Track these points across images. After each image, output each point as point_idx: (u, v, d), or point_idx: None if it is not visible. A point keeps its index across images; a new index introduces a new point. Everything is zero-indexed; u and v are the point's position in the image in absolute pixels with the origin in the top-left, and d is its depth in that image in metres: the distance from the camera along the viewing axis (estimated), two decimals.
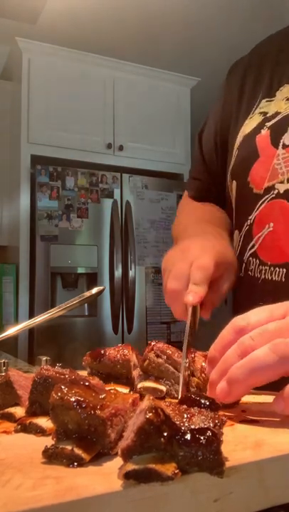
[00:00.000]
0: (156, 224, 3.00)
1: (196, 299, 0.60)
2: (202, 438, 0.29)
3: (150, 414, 0.29)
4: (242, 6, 2.73)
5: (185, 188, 1.00)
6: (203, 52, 3.24)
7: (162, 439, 0.29)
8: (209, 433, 0.30)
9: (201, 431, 0.30)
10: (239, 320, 0.47)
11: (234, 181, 0.79)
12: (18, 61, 2.92)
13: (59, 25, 2.89)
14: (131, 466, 0.29)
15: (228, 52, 3.17)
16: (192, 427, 0.31)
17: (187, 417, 0.32)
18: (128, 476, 0.28)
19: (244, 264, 0.76)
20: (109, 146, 3.03)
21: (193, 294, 0.61)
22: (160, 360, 0.48)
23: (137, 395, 0.39)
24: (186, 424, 0.31)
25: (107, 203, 2.88)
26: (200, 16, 2.85)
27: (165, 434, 0.29)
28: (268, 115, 0.75)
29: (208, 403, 0.37)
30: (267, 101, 0.77)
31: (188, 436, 0.29)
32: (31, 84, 2.88)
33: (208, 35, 3.05)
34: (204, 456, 0.29)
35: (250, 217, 0.74)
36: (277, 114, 0.74)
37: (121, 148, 3.06)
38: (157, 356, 0.48)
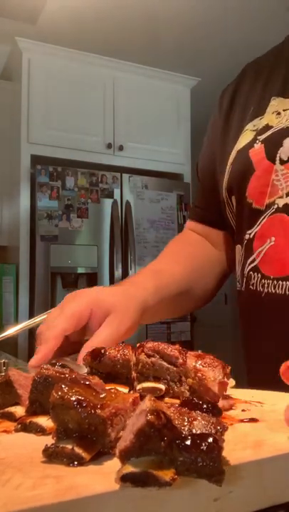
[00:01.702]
0: (156, 224, 3.00)
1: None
2: (203, 444, 0.29)
3: (151, 416, 0.29)
4: (245, 7, 2.74)
5: (189, 217, 0.98)
6: (204, 53, 3.24)
7: (162, 442, 0.28)
8: (211, 439, 0.29)
9: (203, 437, 0.29)
10: None
11: (233, 196, 0.79)
12: (18, 61, 2.93)
13: (59, 25, 2.89)
14: (129, 469, 0.28)
15: (228, 52, 3.18)
16: (193, 431, 0.30)
17: (188, 420, 0.31)
18: (125, 479, 0.28)
19: (244, 279, 0.75)
20: (109, 146, 3.03)
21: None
22: (153, 359, 0.47)
23: (137, 395, 0.39)
24: (187, 429, 0.30)
25: (107, 203, 2.88)
26: (201, 18, 2.85)
27: (165, 438, 0.29)
28: (258, 129, 0.76)
29: (210, 407, 0.36)
30: (260, 119, 0.77)
31: (188, 442, 0.29)
32: (31, 84, 2.88)
33: (208, 36, 3.05)
34: (204, 462, 0.28)
35: (249, 232, 0.74)
36: (268, 127, 0.74)
37: (121, 148, 3.06)
38: (149, 356, 0.48)
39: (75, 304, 0.60)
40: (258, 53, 0.91)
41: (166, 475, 0.28)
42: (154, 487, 0.28)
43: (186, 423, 0.31)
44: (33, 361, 0.56)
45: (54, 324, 0.58)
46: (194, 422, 0.31)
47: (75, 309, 0.60)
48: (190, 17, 2.86)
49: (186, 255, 0.87)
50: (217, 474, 0.28)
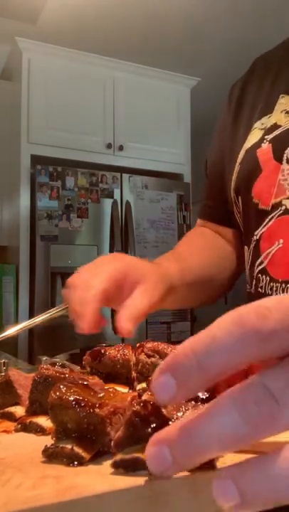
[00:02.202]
0: (156, 224, 3.00)
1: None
2: None
3: (138, 406, 0.30)
4: (246, 8, 2.74)
5: (198, 215, 0.96)
6: (204, 53, 3.24)
7: (150, 429, 0.30)
8: None
9: None
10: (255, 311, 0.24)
11: (240, 197, 0.78)
12: (18, 61, 2.93)
13: (59, 25, 2.89)
14: (120, 456, 0.30)
15: (228, 52, 3.18)
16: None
17: (183, 410, 0.32)
18: (116, 465, 0.29)
19: (254, 281, 0.74)
20: (109, 146, 3.03)
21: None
22: (153, 359, 0.47)
23: (136, 394, 0.39)
24: (176, 417, 0.31)
25: (107, 203, 2.88)
26: (202, 17, 2.85)
27: (154, 425, 0.30)
28: (267, 128, 0.74)
29: (204, 397, 0.37)
30: (268, 117, 0.76)
31: None
32: (31, 84, 2.88)
33: (209, 36, 3.05)
34: None
35: (256, 233, 0.73)
36: (276, 126, 0.73)
37: (121, 148, 3.06)
38: (149, 356, 0.48)
39: (112, 266, 0.58)
40: (258, 53, 0.91)
41: None
42: (143, 471, 0.29)
43: (180, 412, 0.32)
44: (84, 326, 0.52)
45: (92, 284, 0.55)
46: (187, 412, 0.32)
47: (112, 271, 0.57)
48: (190, 17, 2.86)
49: (205, 247, 0.86)
50: None
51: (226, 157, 0.85)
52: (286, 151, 0.69)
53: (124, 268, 0.58)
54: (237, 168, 0.78)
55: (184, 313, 2.99)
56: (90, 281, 0.56)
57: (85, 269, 0.60)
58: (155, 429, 0.30)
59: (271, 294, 0.69)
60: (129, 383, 0.49)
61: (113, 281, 0.56)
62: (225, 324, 0.22)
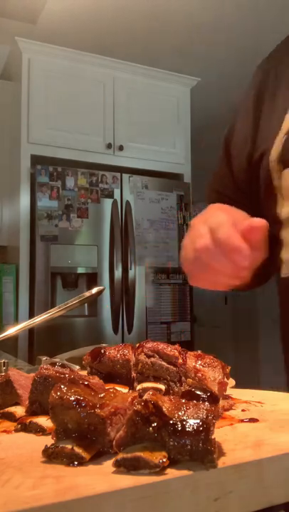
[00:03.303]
0: (156, 224, 3.00)
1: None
2: (189, 427, 0.30)
3: (138, 406, 0.31)
4: (245, 8, 2.74)
5: (206, 201, 0.89)
6: (204, 53, 3.23)
7: (151, 428, 0.30)
8: (198, 422, 0.30)
9: (190, 421, 0.31)
10: None
11: (287, 169, 0.71)
12: (18, 61, 2.92)
13: (59, 25, 2.89)
14: (121, 455, 0.30)
15: (228, 52, 3.18)
16: (184, 418, 0.31)
17: (184, 409, 0.33)
18: (118, 464, 0.30)
19: None
20: (109, 146, 3.03)
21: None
22: (152, 359, 0.47)
23: (136, 394, 0.39)
24: (177, 416, 0.32)
25: (107, 203, 2.88)
26: (202, 18, 2.85)
27: (154, 424, 0.30)
28: None
29: (205, 397, 0.37)
30: None
31: (176, 426, 0.31)
32: (31, 84, 2.88)
33: (208, 36, 3.05)
34: (192, 445, 0.30)
35: None
36: None
37: (121, 148, 3.06)
38: (148, 356, 0.48)
39: (217, 210, 0.62)
40: (258, 54, 0.90)
41: (156, 458, 0.29)
42: (145, 470, 0.29)
43: (181, 412, 0.32)
44: (243, 255, 0.52)
45: (216, 227, 0.56)
46: (188, 411, 0.32)
47: (221, 212, 0.61)
48: (190, 17, 2.86)
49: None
50: (208, 454, 0.30)
51: (259, 133, 0.79)
52: None
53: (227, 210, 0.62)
54: (283, 137, 0.72)
55: (184, 314, 2.99)
56: (212, 227, 0.58)
57: (197, 231, 0.61)
58: (156, 428, 0.30)
59: None
60: (129, 383, 0.49)
61: (230, 216, 0.59)
62: None
